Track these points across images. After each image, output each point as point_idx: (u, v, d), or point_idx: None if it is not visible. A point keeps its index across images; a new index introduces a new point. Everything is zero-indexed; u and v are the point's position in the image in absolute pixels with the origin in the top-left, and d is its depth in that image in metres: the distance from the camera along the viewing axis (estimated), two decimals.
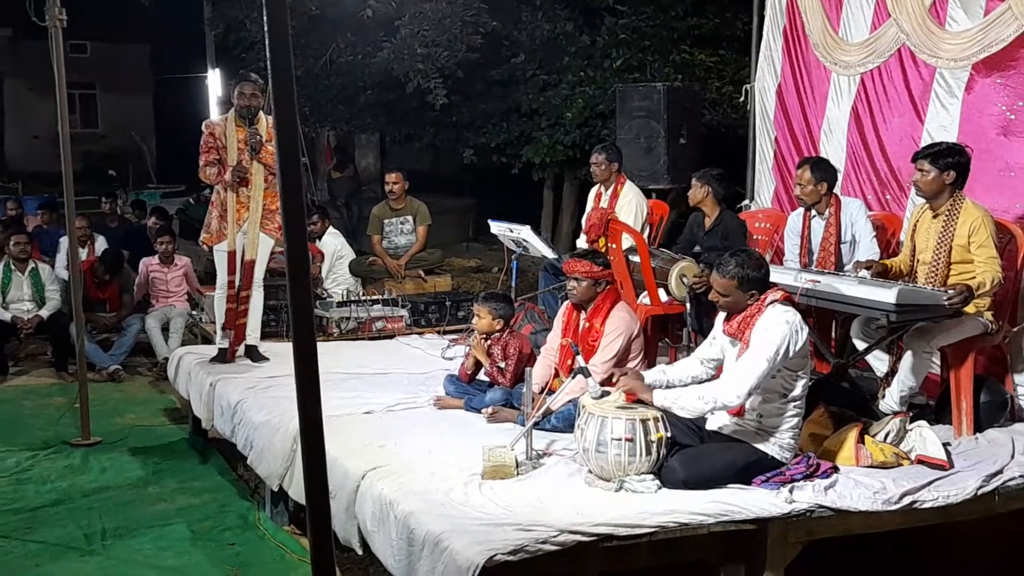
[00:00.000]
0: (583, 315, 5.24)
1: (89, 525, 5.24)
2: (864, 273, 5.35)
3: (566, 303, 5.42)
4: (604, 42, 12.48)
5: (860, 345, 5.59)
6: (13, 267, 8.55)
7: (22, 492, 5.75)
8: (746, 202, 8.25)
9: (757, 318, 4.28)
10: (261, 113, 6.39)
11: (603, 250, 6.08)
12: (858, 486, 4.24)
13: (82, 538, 5.08)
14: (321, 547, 2.62)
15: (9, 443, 6.60)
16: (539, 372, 5.25)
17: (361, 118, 15.21)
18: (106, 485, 5.88)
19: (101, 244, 9.77)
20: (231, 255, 6.36)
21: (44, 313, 8.47)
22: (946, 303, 4.89)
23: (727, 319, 4.46)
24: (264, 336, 6.80)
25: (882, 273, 5.38)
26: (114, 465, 6.22)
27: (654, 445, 4.18)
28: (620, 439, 4.15)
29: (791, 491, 4.13)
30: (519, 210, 10.97)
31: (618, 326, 5.11)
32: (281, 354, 6.57)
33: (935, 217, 5.33)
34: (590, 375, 4.57)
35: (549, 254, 7.27)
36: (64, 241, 9.57)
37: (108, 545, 5.01)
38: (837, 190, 6.15)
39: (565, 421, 4.89)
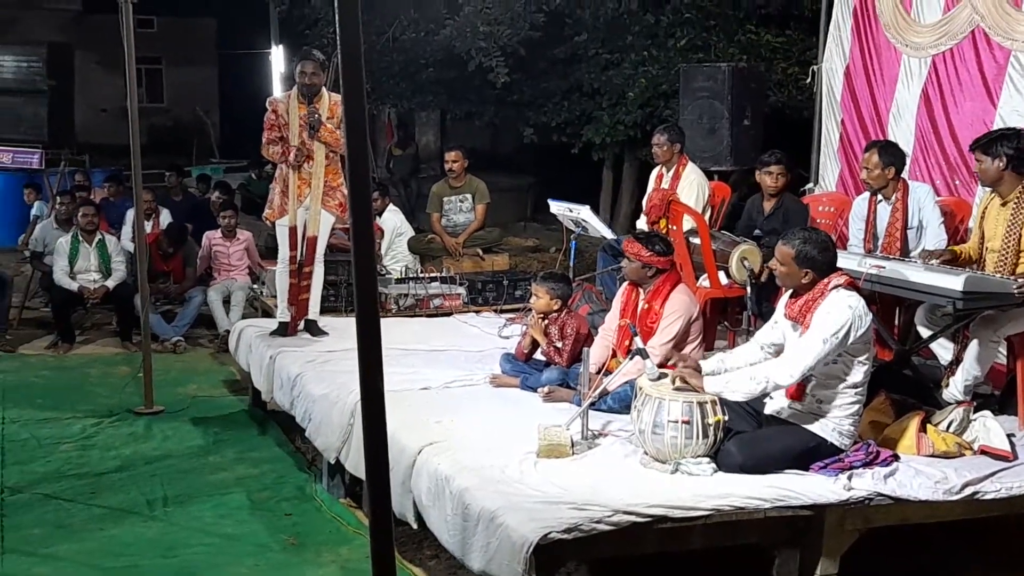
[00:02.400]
0: (642, 296, 5.21)
1: (151, 491, 5.35)
2: (933, 263, 5.26)
3: (625, 283, 5.40)
4: (668, 21, 12.34)
5: (924, 333, 5.49)
6: (81, 238, 8.71)
7: (87, 458, 5.89)
8: (810, 185, 8.12)
9: (820, 302, 4.23)
10: (324, 90, 6.42)
11: (664, 231, 6.04)
12: (919, 475, 4.18)
13: (144, 504, 5.19)
14: (380, 519, 2.64)
15: (75, 410, 6.75)
16: (596, 352, 5.24)
17: (422, 96, 15.25)
18: (168, 453, 6.00)
19: (166, 217, 9.92)
20: (292, 231, 6.42)
21: (110, 284, 8.63)
22: (1015, 291, 4.77)
23: (789, 301, 4.41)
24: (323, 311, 6.86)
25: (951, 260, 5.29)
26: (176, 434, 6.34)
27: (711, 428, 4.15)
28: (677, 421, 4.13)
29: (850, 478, 4.08)
30: (578, 190, 10.96)
31: (677, 308, 5.08)
32: (340, 329, 6.63)
33: (1004, 204, 5.22)
34: (648, 356, 4.54)
35: (608, 235, 7.24)
36: (130, 214, 9.75)
37: (169, 511, 5.11)
38: (905, 175, 6.03)
39: (621, 402, 4.87)
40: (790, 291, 4.43)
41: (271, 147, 6.42)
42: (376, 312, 2.63)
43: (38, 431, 6.29)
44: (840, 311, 4.15)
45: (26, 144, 10.01)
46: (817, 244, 4.29)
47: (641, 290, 5.23)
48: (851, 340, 4.16)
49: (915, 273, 4.98)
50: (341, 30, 2.49)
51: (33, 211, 11.12)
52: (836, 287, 4.25)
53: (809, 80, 8.37)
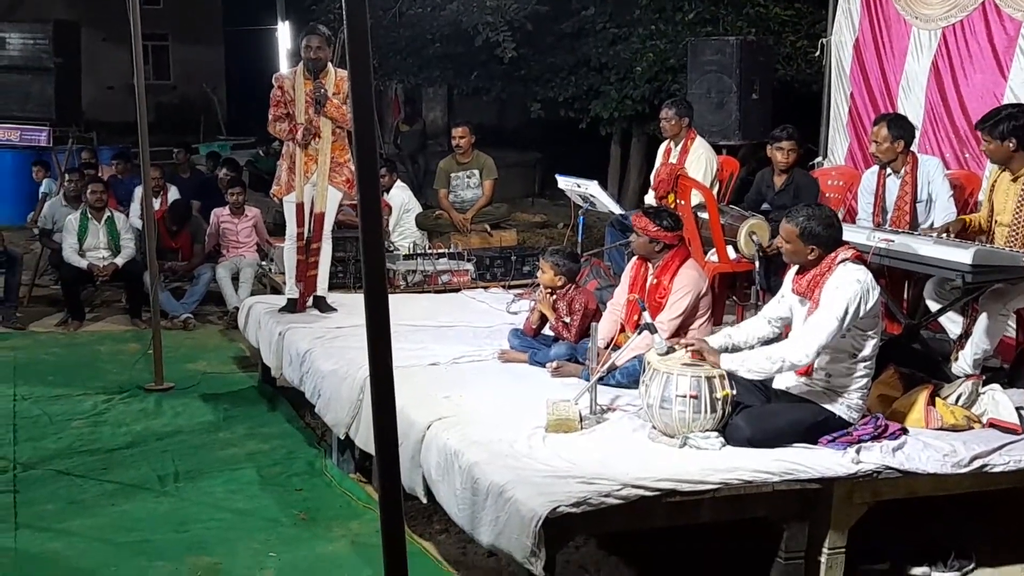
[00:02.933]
0: (651, 271, 5.21)
1: (162, 467, 5.38)
2: (944, 237, 5.25)
3: (634, 258, 5.40)
4: None
5: (933, 306, 5.48)
6: (90, 215, 8.72)
7: (98, 434, 5.92)
8: (819, 159, 8.09)
9: (828, 277, 4.22)
10: (330, 66, 6.40)
11: (672, 206, 6.03)
12: (927, 448, 4.18)
13: (155, 479, 5.22)
14: (390, 493, 2.66)
15: (86, 386, 6.78)
16: (605, 327, 5.24)
17: (429, 71, 15.20)
18: (178, 429, 6.03)
19: (174, 194, 9.93)
20: (299, 207, 6.41)
21: (119, 261, 8.64)
22: None
23: (797, 276, 4.40)
24: (332, 287, 6.86)
25: (961, 230, 5.28)
26: (186, 410, 6.36)
27: (719, 403, 4.16)
28: (685, 396, 4.14)
29: (858, 451, 4.09)
30: (586, 165, 10.92)
31: (686, 283, 5.07)
32: (348, 305, 6.64)
33: (1015, 180, 5.20)
34: (656, 331, 4.54)
35: (616, 210, 7.22)
36: (139, 191, 9.76)
37: (180, 487, 5.14)
38: (914, 148, 6.00)
39: (630, 377, 4.88)
40: (797, 266, 4.43)
41: (277, 124, 6.41)
42: (384, 288, 2.64)
43: (49, 408, 6.33)
44: (849, 285, 4.15)
45: (33, 121, 9.99)
46: (821, 220, 4.28)
47: (650, 265, 5.23)
48: (861, 314, 4.16)
49: (924, 247, 4.97)
50: (347, 5, 2.49)
51: (42, 188, 11.13)
52: (843, 261, 4.24)
53: (818, 53, 8.33)
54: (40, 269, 9.63)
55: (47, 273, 9.69)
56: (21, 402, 6.43)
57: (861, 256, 4.35)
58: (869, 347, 4.27)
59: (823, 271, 4.25)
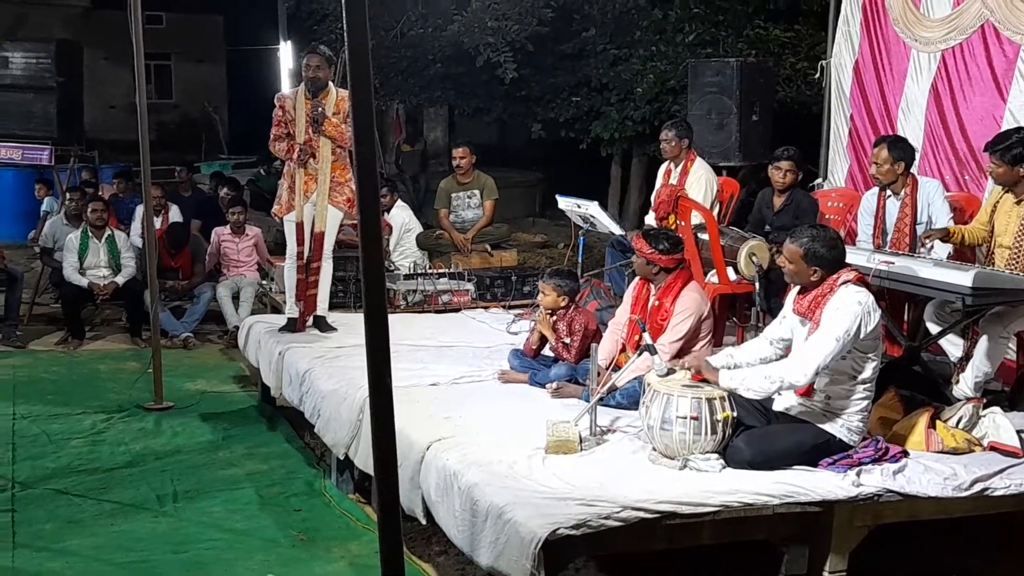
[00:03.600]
0: (653, 292, 5.21)
1: (161, 487, 5.36)
2: (928, 244, 5.30)
3: (637, 278, 5.40)
4: (676, 16, 12.31)
5: (934, 329, 5.48)
6: (90, 234, 8.73)
7: (97, 453, 5.91)
8: (819, 181, 8.11)
9: (829, 297, 4.22)
10: (331, 85, 6.42)
11: (672, 227, 6.04)
12: (928, 471, 4.18)
13: (155, 499, 5.20)
14: (389, 515, 2.65)
15: (85, 405, 6.78)
16: (606, 347, 5.24)
17: (430, 91, 15.25)
18: (178, 448, 6.01)
19: (175, 213, 9.95)
20: (299, 226, 6.42)
21: (120, 280, 8.64)
22: None
23: (798, 297, 4.41)
24: (332, 307, 6.87)
25: (943, 237, 5.32)
26: (186, 429, 6.35)
27: (719, 424, 4.15)
28: (685, 417, 4.13)
29: (859, 474, 4.08)
30: (586, 186, 10.94)
31: (688, 306, 5.07)
32: (348, 325, 6.65)
33: (1018, 203, 5.22)
34: (656, 352, 4.54)
35: (616, 230, 7.24)
36: (139, 210, 9.77)
37: (179, 507, 5.13)
38: (914, 170, 6.02)
39: (629, 398, 4.87)
40: (798, 287, 4.43)
41: (277, 143, 6.43)
42: (384, 308, 2.64)
43: (48, 426, 6.31)
44: (850, 307, 4.15)
45: (35, 140, 10.03)
46: (826, 242, 4.29)
47: (652, 286, 5.23)
48: (861, 336, 4.16)
49: (925, 269, 4.97)
50: (348, 25, 2.50)
51: (43, 207, 11.16)
52: (845, 283, 4.24)
53: (818, 75, 8.35)
54: (40, 287, 9.64)
55: (47, 291, 9.70)
56: (20, 421, 6.42)
57: (862, 278, 4.36)
58: (869, 369, 4.27)
59: (824, 292, 4.26)
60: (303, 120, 6.31)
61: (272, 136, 6.44)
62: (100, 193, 10.38)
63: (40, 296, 9.63)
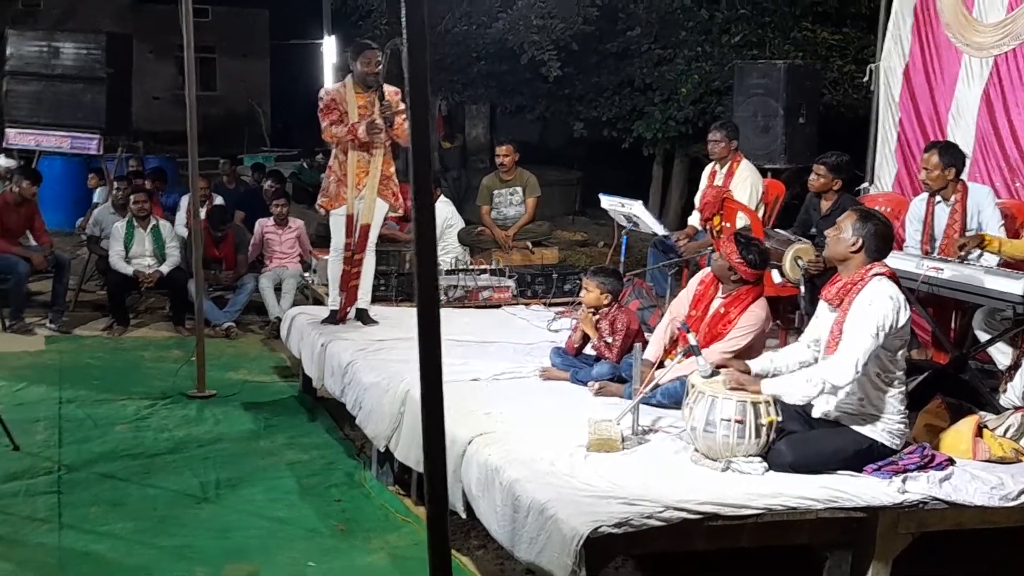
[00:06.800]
0: (720, 294, 5.13)
1: (204, 473, 5.43)
2: (966, 252, 5.23)
3: (706, 272, 5.31)
4: (723, 17, 12.27)
5: (982, 337, 5.42)
6: (135, 223, 8.84)
7: (141, 439, 5.98)
8: (865, 185, 8.03)
9: (859, 287, 4.16)
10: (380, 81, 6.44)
11: (716, 228, 6.01)
12: (974, 480, 4.12)
13: (197, 486, 5.26)
14: (438, 512, 2.65)
15: (130, 391, 6.87)
16: (657, 338, 5.25)
17: (473, 89, 15.28)
18: (220, 437, 6.08)
19: (218, 204, 10.03)
20: (349, 219, 6.43)
21: (164, 269, 8.74)
22: None
23: (827, 284, 4.37)
24: (373, 300, 6.90)
25: (977, 245, 5.26)
26: (227, 418, 6.42)
27: (764, 428, 4.13)
28: (729, 420, 4.11)
29: (904, 481, 4.03)
30: (627, 185, 10.92)
31: (752, 323, 4.99)
32: (390, 318, 6.68)
33: None
34: (700, 354, 4.52)
35: (660, 230, 7.22)
36: (184, 200, 9.88)
37: (221, 494, 5.18)
38: (964, 176, 5.95)
39: (671, 398, 4.85)
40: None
41: (332, 128, 6.36)
42: (437, 305, 2.64)
43: (94, 411, 6.40)
44: (882, 301, 4.09)
45: (84, 130, 10.17)
46: (882, 225, 4.25)
47: (720, 289, 5.15)
48: (893, 331, 4.10)
49: (975, 276, 4.91)
50: (408, 23, 2.51)
51: (95, 197, 11.31)
52: (877, 275, 4.18)
53: (867, 79, 8.26)
54: (86, 275, 9.76)
55: (93, 279, 9.83)
56: (66, 405, 6.52)
57: (894, 275, 4.29)
58: (897, 368, 4.20)
59: (855, 281, 4.20)
60: (355, 113, 6.31)
61: (326, 124, 6.37)
62: (144, 184, 10.48)
63: (86, 283, 9.75)
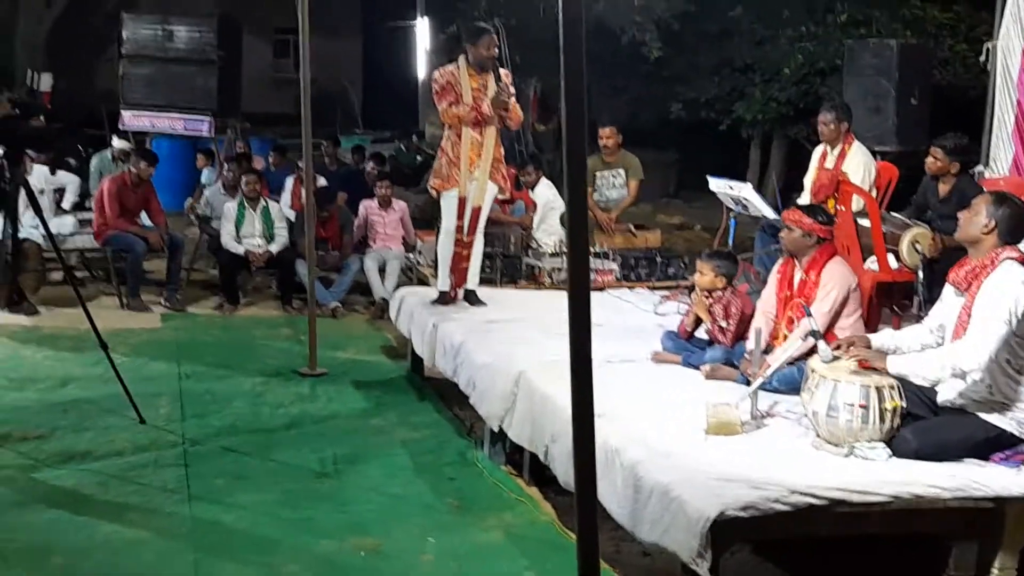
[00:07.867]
0: (799, 267, 5.13)
1: (321, 449, 5.55)
2: None
3: (780, 260, 5.32)
4: None
5: None
6: (246, 204, 9.06)
7: (259, 414, 6.15)
8: (980, 168, 7.82)
9: (989, 271, 4.09)
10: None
11: (832, 212, 5.92)
12: None
13: (316, 461, 5.39)
14: (588, 520, 2.70)
15: (244, 368, 7.05)
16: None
17: None
18: (333, 414, 6.21)
19: (322, 185, 10.21)
20: (462, 201, 6.50)
21: (274, 249, 8.95)
22: None
23: (955, 266, 4.28)
24: (480, 282, 6.97)
25: None
26: (339, 395, 6.55)
27: (888, 413, 4.08)
28: (853, 405, 4.07)
29: None
30: (721, 167, 10.79)
31: (834, 277, 5.00)
32: (496, 299, 6.76)
33: None
34: (822, 338, 4.47)
35: (770, 214, 7.13)
36: (289, 181, 10.11)
37: (340, 469, 5.30)
38: None
39: (787, 384, 4.82)
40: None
41: (452, 108, 6.42)
42: (588, 294, 2.69)
43: (212, 386, 6.60)
44: (1013, 287, 4.01)
45: (196, 111, 10.47)
46: (1016, 206, 4.16)
47: (797, 262, 5.15)
48: (1023, 318, 4.01)
49: None
50: (563, 22, 2.54)
51: (203, 178, 11.61)
52: (1008, 259, 4.10)
53: (983, 58, 8.03)
54: (196, 254, 10.04)
55: (203, 258, 10.10)
56: (186, 380, 6.73)
57: None
58: None
59: (984, 264, 4.13)
60: (470, 95, 6.38)
61: (445, 104, 6.44)
62: (253, 165, 10.73)
63: (196, 262, 10.03)
